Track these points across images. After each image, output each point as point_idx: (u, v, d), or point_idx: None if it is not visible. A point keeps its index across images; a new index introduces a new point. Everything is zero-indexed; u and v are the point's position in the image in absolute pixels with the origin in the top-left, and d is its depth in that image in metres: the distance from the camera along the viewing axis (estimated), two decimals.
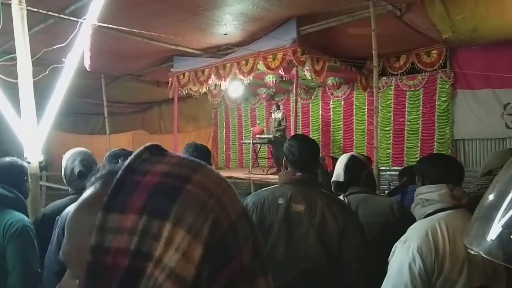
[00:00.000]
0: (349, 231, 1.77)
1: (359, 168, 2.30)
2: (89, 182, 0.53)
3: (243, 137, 10.14)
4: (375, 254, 1.82)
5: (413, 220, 1.78)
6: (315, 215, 1.78)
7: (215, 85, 7.90)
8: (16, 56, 2.49)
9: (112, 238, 0.43)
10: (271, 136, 7.86)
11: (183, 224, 0.43)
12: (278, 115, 8.24)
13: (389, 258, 1.64)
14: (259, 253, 0.51)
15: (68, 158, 2.20)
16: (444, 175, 1.69)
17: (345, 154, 2.39)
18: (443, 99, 7.56)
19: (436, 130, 7.67)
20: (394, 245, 1.64)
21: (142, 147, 0.52)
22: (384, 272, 1.67)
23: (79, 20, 2.80)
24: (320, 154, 8.43)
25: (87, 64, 2.85)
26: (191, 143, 2.50)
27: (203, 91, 8.10)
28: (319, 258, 1.76)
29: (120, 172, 0.48)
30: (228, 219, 0.47)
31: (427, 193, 1.69)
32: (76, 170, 2.12)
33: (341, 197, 2.15)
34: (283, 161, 1.97)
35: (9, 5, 2.51)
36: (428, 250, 1.54)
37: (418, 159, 7.49)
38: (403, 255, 1.57)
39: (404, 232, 1.70)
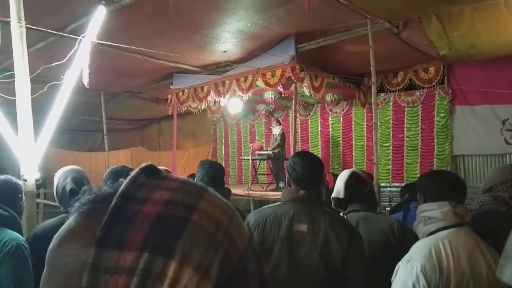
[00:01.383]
0: (353, 252, 1.72)
1: (360, 185, 2.27)
2: (73, 208, 0.46)
3: (242, 153, 10.12)
4: (375, 274, 1.78)
5: (413, 239, 1.75)
6: (318, 235, 1.74)
7: (214, 101, 7.92)
8: (14, 74, 2.49)
9: (108, 279, 0.38)
10: (271, 152, 7.84)
11: (191, 262, 0.38)
12: (276, 131, 8.23)
13: (392, 278, 1.60)
14: (265, 285, 0.48)
15: (60, 176, 2.17)
16: (447, 192, 1.67)
17: (346, 170, 2.36)
18: (442, 115, 7.57)
19: (435, 146, 7.66)
20: (397, 264, 1.60)
21: (137, 169, 0.47)
22: None
23: (78, 37, 2.81)
24: None
25: (85, 81, 2.84)
26: (206, 160, 2.53)
27: (202, 108, 8.12)
28: (322, 279, 1.71)
29: (114, 200, 0.42)
30: (237, 252, 0.42)
31: (429, 211, 1.66)
32: (68, 188, 2.09)
33: (340, 215, 2.11)
34: (286, 178, 1.94)
35: (9, 22, 2.52)
36: (432, 270, 1.50)
37: (418, 175, 7.51)
38: (407, 275, 1.53)
39: (405, 252, 1.66)
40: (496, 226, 1.86)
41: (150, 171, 0.47)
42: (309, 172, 1.87)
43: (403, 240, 2.00)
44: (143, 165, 0.47)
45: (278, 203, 1.94)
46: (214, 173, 2.38)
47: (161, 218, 0.40)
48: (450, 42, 5.78)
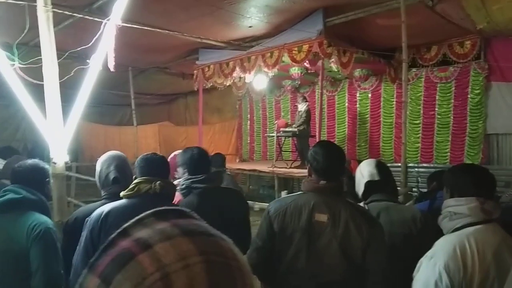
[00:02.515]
0: (373, 243, 1.70)
1: (389, 171, 2.24)
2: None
3: (268, 130, 10.10)
4: (396, 266, 1.76)
5: (436, 231, 1.71)
6: (339, 225, 1.73)
7: (240, 77, 7.86)
8: (40, 57, 2.53)
9: None
10: (296, 129, 7.78)
11: None
12: (302, 107, 8.12)
13: (413, 274, 1.58)
14: None
15: (103, 163, 2.19)
16: (475, 188, 1.60)
17: (369, 159, 2.32)
18: (476, 91, 7.24)
19: (468, 124, 7.38)
20: (420, 260, 1.57)
21: (149, 212, 0.50)
22: (404, 283, 1.62)
23: (103, 20, 2.81)
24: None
25: (111, 65, 2.86)
26: (188, 148, 2.42)
27: (227, 84, 8.08)
28: (342, 270, 1.71)
29: (115, 234, 0.49)
30: None
31: (456, 206, 1.61)
32: (111, 176, 2.12)
33: (361, 204, 2.07)
34: (307, 168, 1.91)
35: (35, 6, 2.54)
36: (456, 268, 1.47)
37: (448, 154, 7.27)
38: (429, 272, 1.50)
39: (426, 244, 1.63)
40: None
41: (165, 213, 0.51)
42: (331, 162, 1.83)
43: (426, 232, 1.96)
44: (158, 209, 0.51)
45: (298, 192, 1.93)
46: (197, 161, 2.32)
47: (121, 252, 0.46)
48: (489, 16, 5.45)
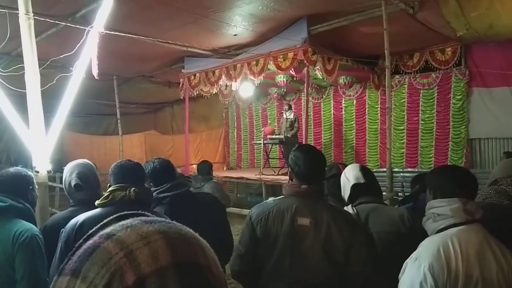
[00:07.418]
0: (355, 244, 1.71)
1: (373, 174, 2.26)
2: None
3: (255, 137, 10.11)
4: (384, 266, 1.77)
5: (424, 230, 1.72)
6: (321, 229, 1.73)
7: (226, 85, 7.88)
8: (22, 65, 2.49)
9: None
10: (282, 136, 7.81)
11: (86, 280, 0.46)
12: (290, 115, 8.18)
13: (399, 276, 1.59)
14: None
15: (67, 171, 2.19)
16: (457, 189, 1.63)
17: (353, 164, 2.35)
18: (458, 97, 7.40)
19: (451, 129, 7.52)
20: (405, 262, 1.58)
21: (112, 217, 0.54)
22: (396, 282, 1.62)
23: (86, 28, 2.79)
24: (332, 161, 8.23)
25: (95, 72, 2.84)
26: (149, 161, 2.36)
27: (214, 92, 8.09)
28: (325, 272, 1.71)
29: (81, 240, 0.52)
30: (136, 271, 0.45)
31: (439, 207, 1.63)
32: (73, 183, 2.11)
33: (349, 207, 2.09)
34: (288, 172, 1.92)
35: (17, 14, 2.51)
36: (440, 269, 1.48)
37: (433, 159, 7.37)
38: (414, 273, 1.51)
39: (415, 242, 1.64)
40: (494, 219, 1.82)
41: (127, 216, 0.54)
42: (312, 166, 1.83)
43: (414, 230, 1.97)
44: (120, 214, 0.55)
45: (280, 197, 1.93)
46: (159, 172, 2.27)
47: (88, 248, 0.49)
48: (468, 23, 5.59)
